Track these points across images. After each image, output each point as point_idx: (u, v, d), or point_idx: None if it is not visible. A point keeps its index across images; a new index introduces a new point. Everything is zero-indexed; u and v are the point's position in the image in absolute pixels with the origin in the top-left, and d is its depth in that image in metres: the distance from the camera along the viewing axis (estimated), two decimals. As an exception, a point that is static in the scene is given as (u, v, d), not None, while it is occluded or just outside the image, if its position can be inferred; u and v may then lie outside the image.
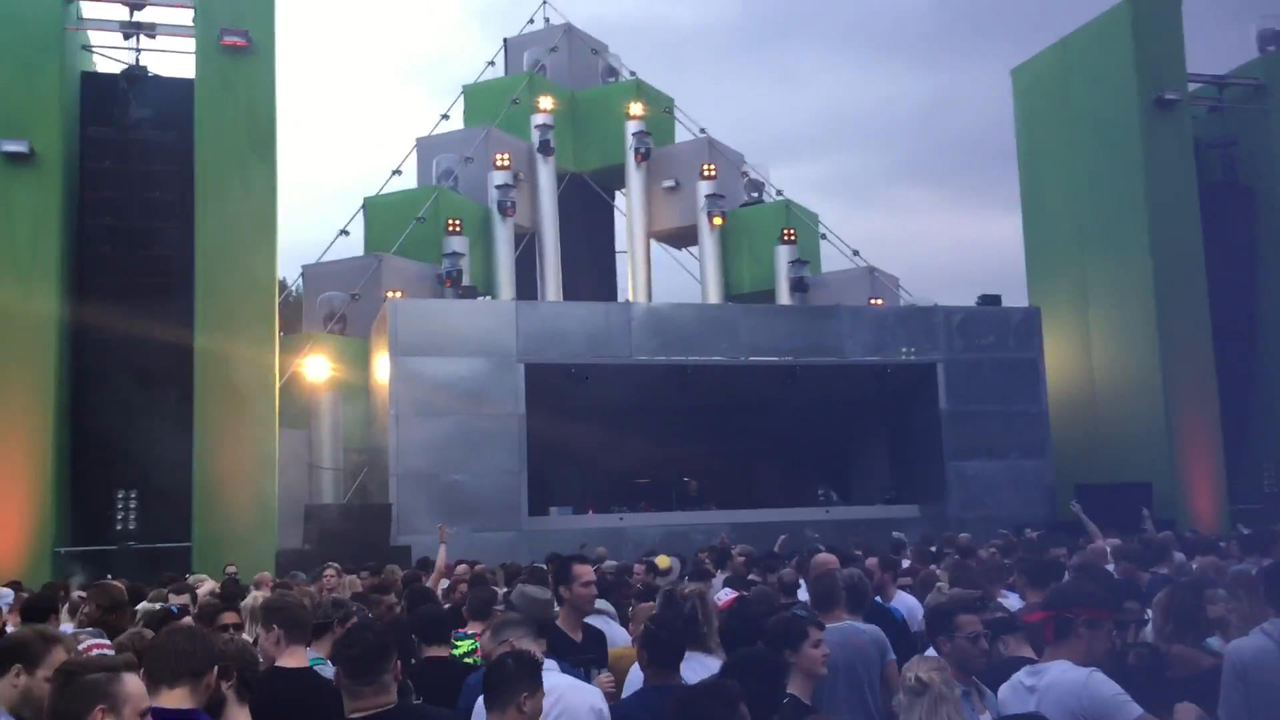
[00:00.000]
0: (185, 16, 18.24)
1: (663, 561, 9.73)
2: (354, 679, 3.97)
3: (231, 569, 12.86)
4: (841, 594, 5.88)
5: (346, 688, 4.00)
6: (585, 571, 5.73)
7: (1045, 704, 3.98)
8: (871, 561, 8.57)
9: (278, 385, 17.71)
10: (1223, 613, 5.50)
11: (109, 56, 19.08)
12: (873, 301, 22.90)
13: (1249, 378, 22.43)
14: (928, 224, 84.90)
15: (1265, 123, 22.98)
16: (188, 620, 5.69)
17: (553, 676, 4.35)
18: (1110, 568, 8.84)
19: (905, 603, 7.78)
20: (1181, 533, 14.69)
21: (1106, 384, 21.95)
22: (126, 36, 18.33)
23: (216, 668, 3.71)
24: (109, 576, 9.10)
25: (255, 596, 6.17)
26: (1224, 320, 21.41)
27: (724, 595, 5.80)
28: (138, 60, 18.34)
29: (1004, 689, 4.27)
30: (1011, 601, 6.68)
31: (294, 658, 4.70)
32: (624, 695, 5.12)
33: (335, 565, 10.28)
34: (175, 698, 3.46)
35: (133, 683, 3.00)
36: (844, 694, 5.31)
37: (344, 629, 5.14)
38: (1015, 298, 23.06)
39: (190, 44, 17.99)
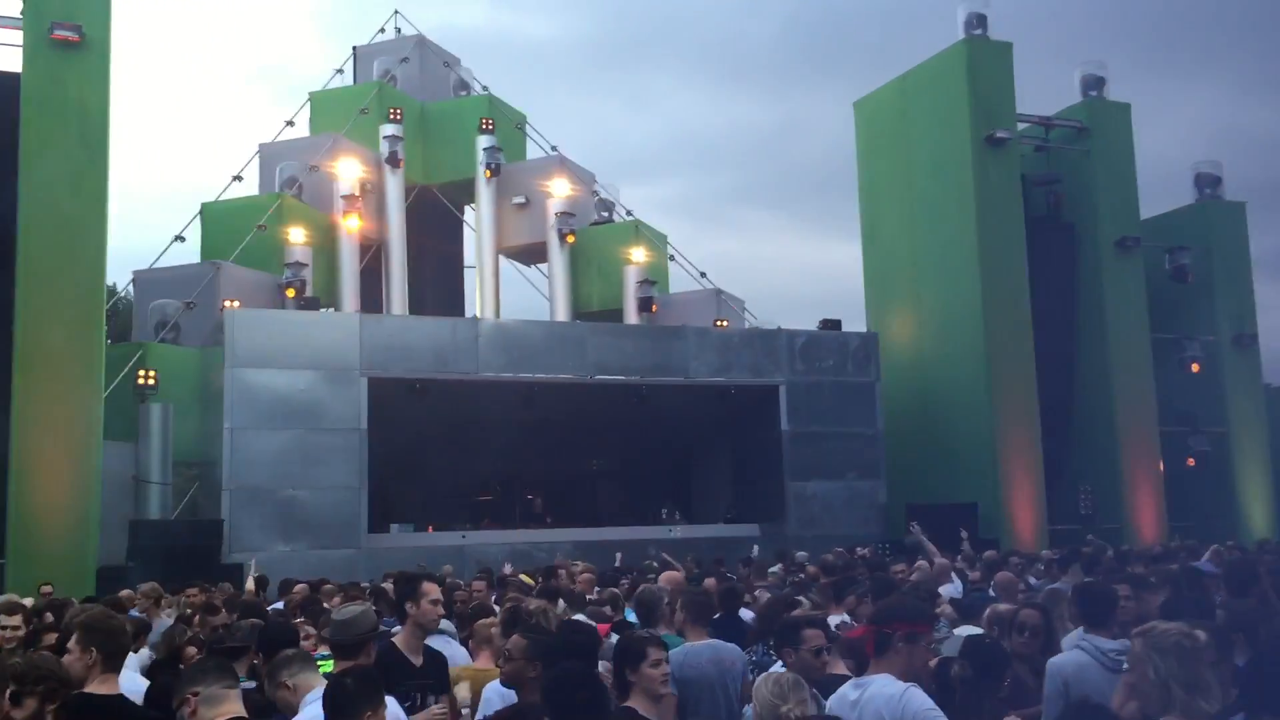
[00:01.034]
0: (13, 7, 17.34)
1: (527, 578, 9.68)
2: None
3: (46, 588, 12.22)
4: (708, 611, 6.01)
5: None
6: (433, 589, 5.60)
7: (865, 715, 4.15)
8: (709, 583, 8.72)
9: (103, 395, 16.92)
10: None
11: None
12: (718, 323, 23.29)
13: (1068, 405, 23.61)
14: (773, 247, 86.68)
15: (1086, 163, 24.29)
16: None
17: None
18: (951, 587, 9.20)
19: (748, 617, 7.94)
20: (1004, 550, 15.38)
21: (938, 407, 22.79)
22: (-53, 25, 17.33)
23: (9, 691, 3.52)
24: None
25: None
26: (1045, 348, 22.48)
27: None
28: (-41, 50, 17.35)
29: (832, 700, 4.41)
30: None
31: (107, 684, 4.36)
32: (479, 716, 5.10)
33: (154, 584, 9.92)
34: None
35: None
36: (709, 710, 5.56)
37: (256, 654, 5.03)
38: (855, 322, 23.81)
39: (18, 36, 17.11)
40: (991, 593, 8.59)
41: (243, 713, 4.07)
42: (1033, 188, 24.27)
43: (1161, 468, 23.38)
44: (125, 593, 10.26)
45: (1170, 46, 75.26)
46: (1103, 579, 7.54)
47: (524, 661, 4.93)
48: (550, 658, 4.69)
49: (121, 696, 4.41)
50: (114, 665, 4.41)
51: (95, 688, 4.32)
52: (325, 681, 4.35)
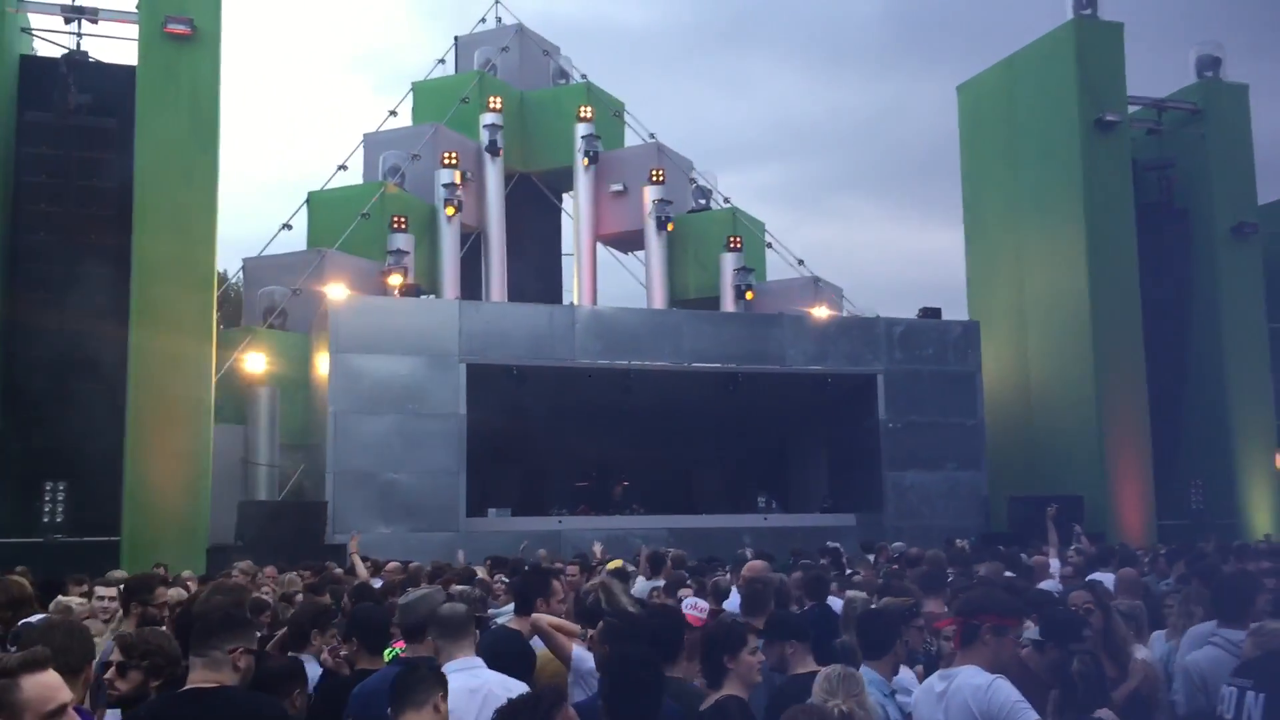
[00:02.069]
0: (129, 2, 17.96)
1: (615, 564, 9.68)
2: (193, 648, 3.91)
3: (159, 569, 12.63)
4: (765, 601, 5.97)
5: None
6: (560, 589, 5.70)
7: (952, 706, 4.10)
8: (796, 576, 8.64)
9: (214, 379, 17.46)
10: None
11: (50, 40, 18.74)
12: (816, 310, 23.07)
13: (1179, 397, 22.90)
14: (872, 234, 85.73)
15: (1201, 146, 23.49)
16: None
17: (481, 674, 4.36)
18: (1051, 583, 8.98)
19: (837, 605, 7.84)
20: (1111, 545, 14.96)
21: (1041, 398, 22.31)
22: (68, 21, 18.00)
23: (93, 664, 3.59)
24: (17, 569, 8.86)
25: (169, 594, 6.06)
26: (1156, 339, 21.85)
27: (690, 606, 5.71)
28: (79, 45, 18.03)
29: (918, 691, 4.36)
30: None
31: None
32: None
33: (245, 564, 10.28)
34: None
35: (33, 686, 2.75)
36: None
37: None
38: (955, 310, 23.41)
39: (133, 30, 17.70)
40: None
41: None
42: (1144, 172, 23.55)
43: (1279, 462, 22.55)
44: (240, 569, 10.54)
45: (1292, 24, 72.24)
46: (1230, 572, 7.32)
47: (600, 645, 4.97)
48: (617, 640, 4.69)
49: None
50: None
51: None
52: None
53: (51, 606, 6.13)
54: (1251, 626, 4.53)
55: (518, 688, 4.53)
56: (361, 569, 10.13)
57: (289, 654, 5.37)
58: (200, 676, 3.85)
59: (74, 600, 6.53)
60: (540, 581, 5.69)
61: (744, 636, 4.49)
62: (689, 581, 8.36)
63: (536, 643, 5.77)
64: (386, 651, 5.14)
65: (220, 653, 3.85)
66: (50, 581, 7.20)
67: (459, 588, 6.85)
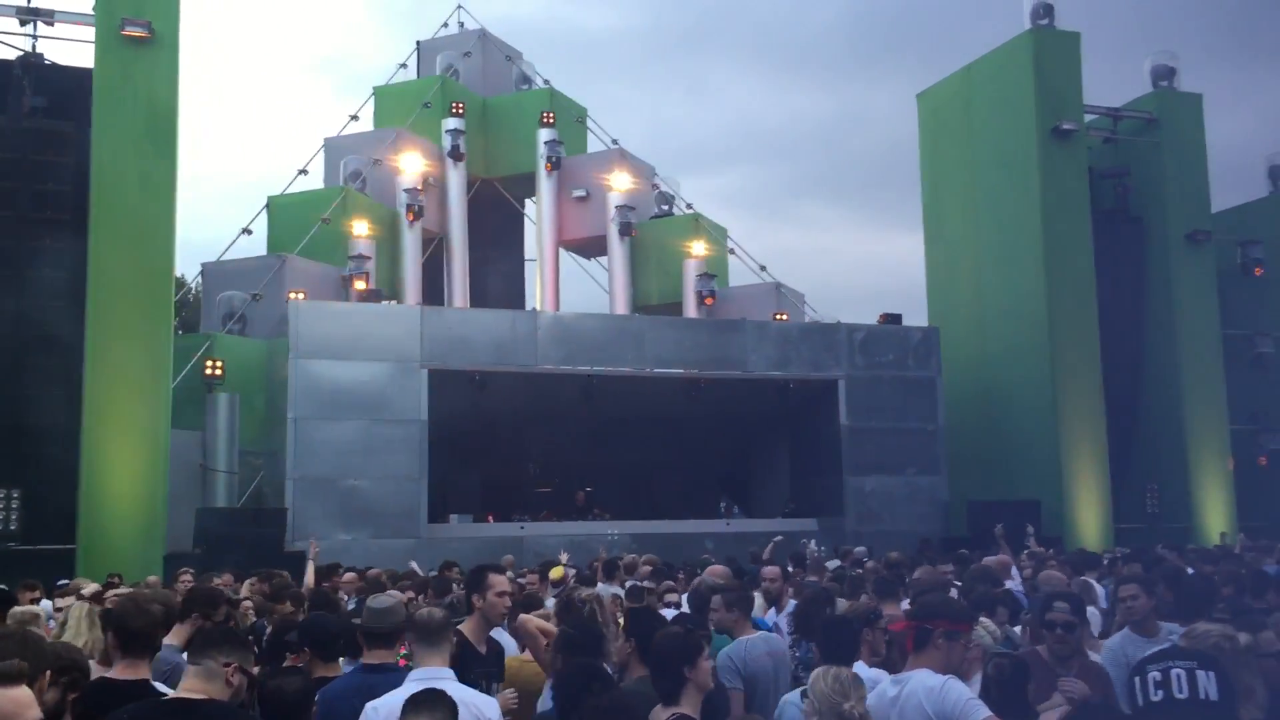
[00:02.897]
0: (85, 4, 17.74)
1: (556, 573, 9.68)
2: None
3: (114, 578, 12.46)
4: (751, 605, 6.03)
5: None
6: (500, 581, 5.63)
7: (906, 709, 4.15)
8: (770, 570, 8.68)
9: (171, 385, 17.27)
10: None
11: (4, 43, 18.45)
12: (777, 316, 23.19)
13: (1135, 402, 23.19)
14: (832, 240, 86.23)
15: (1156, 155, 23.81)
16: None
17: (452, 688, 4.34)
18: (1011, 584, 9.09)
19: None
20: (1068, 549, 15.17)
21: (1000, 403, 22.52)
22: (23, 23, 17.74)
23: (48, 674, 3.55)
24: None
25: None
26: (1112, 345, 22.11)
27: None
28: (34, 47, 17.79)
29: (871, 696, 4.39)
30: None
31: (133, 669, 4.29)
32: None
33: (191, 571, 10.24)
34: None
35: (3, 700, 2.70)
36: (765, 703, 5.54)
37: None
38: (916, 316, 23.58)
39: (90, 32, 17.49)
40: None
41: None
42: (1100, 180, 23.86)
43: (1231, 467, 22.88)
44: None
45: (1243, 34, 73.47)
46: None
47: (555, 653, 4.99)
48: (570, 651, 4.70)
49: (146, 682, 4.29)
50: (138, 650, 4.34)
51: (120, 672, 4.28)
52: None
53: (12, 614, 6.03)
54: (1184, 629, 4.60)
55: (487, 706, 4.53)
56: (310, 576, 10.15)
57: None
58: (191, 685, 3.82)
59: (39, 608, 6.42)
60: (474, 578, 5.68)
61: (701, 645, 4.49)
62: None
63: (511, 646, 5.79)
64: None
65: (215, 664, 3.83)
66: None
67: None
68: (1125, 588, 5.93)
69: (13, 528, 15.88)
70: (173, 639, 5.32)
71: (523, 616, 5.51)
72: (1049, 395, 21.45)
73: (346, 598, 9.50)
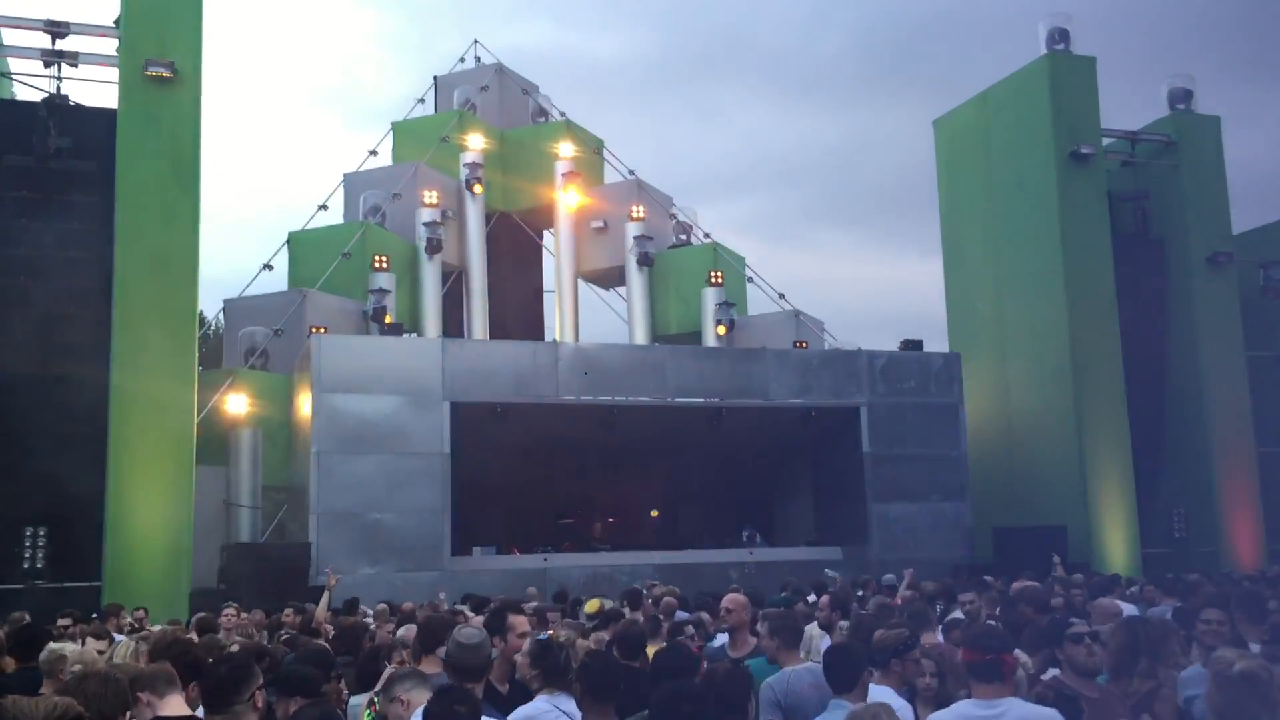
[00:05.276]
0: (109, 46, 17.99)
1: (591, 606, 9.61)
2: (208, 708, 4.00)
3: (139, 612, 12.51)
4: (798, 636, 5.99)
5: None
6: (520, 623, 5.60)
7: None
8: (825, 600, 8.62)
9: (196, 421, 17.37)
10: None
11: (29, 85, 18.73)
12: (797, 344, 23.16)
13: (1159, 426, 23.04)
14: (850, 267, 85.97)
15: (1175, 177, 23.78)
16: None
17: None
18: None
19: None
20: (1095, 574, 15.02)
21: (1023, 429, 22.41)
22: (48, 65, 18.00)
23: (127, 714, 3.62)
24: (12, 616, 8.79)
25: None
26: (1136, 368, 22.00)
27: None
28: (59, 89, 18.03)
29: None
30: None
31: (173, 705, 4.37)
32: None
33: (235, 605, 10.22)
34: None
35: None
36: None
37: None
38: (937, 342, 23.51)
39: (114, 74, 17.73)
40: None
41: None
42: (1119, 204, 23.82)
43: (1259, 489, 22.68)
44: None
45: (1261, 55, 73.38)
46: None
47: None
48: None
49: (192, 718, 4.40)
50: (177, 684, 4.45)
51: (167, 709, 4.34)
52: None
53: (54, 654, 6.01)
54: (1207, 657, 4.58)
55: None
56: (323, 608, 10.22)
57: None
58: None
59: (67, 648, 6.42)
60: (495, 620, 5.66)
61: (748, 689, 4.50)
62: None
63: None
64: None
65: (241, 705, 3.90)
66: (34, 630, 7.09)
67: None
68: (1209, 612, 5.81)
69: (39, 565, 15.97)
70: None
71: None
72: (1073, 420, 21.33)
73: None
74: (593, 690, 4.63)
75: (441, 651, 5.33)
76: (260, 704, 4.00)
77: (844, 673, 4.90)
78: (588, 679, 4.65)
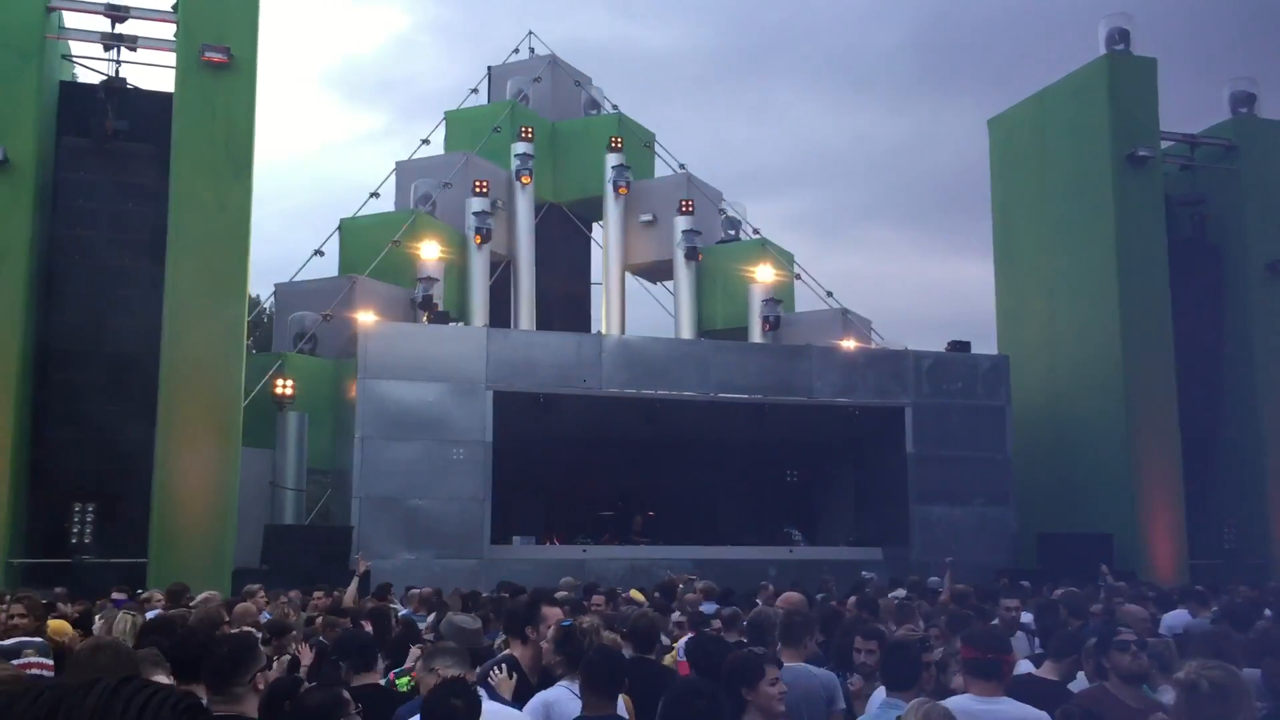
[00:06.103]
0: (167, 31, 18.23)
1: (636, 596, 9.68)
2: (210, 689, 4.04)
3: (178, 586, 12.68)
4: (805, 633, 5.93)
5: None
6: (555, 614, 5.62)
7: None
8: (851, 601, 8.57)
9: (243, 403, 17.58)
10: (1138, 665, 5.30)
11: (89, 67, 19.06)
12: (844, 343, 23.00)
13: (1212, 435, 22.61)
14: (899, 264, 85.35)
15: (1235, 183, 23.31)
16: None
17: (486, 705, 4.39)
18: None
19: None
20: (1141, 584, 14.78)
21: (1072, 434, 22.09)
22: (107, 48, 18.29)
23: None
24: (56, 590, 8.96)
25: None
26: (1189, 376, 21.61)
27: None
28: (117, 72, 18.31)
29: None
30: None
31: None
32: None
33: (259, 586, 10.54)
34: None
35: None
36: None
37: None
38: (984, 344, 23.25)
39: (171, 58, 17.97)
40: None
41: None
42: (1177, 208, 23.39)
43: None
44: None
45: (1329, 60, 71.66)
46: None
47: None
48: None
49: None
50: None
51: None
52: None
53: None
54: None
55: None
56: (352, 591, 10.42)
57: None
58: (223, 710, 3.93)
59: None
60: (529, 611, 5.68)
61: (762, 669, 4.46)
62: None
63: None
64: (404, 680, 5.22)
65: (241, 687, 3.92)
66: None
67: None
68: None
69: (87, 541, 16.25)
70: None
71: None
72: (1123, 427, 21.00)
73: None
74: (592, 682, 4.68)
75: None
76: (261, 686, 4.01)
77: (902, 671, 4.92)
78: (588, 670, 4.70)
